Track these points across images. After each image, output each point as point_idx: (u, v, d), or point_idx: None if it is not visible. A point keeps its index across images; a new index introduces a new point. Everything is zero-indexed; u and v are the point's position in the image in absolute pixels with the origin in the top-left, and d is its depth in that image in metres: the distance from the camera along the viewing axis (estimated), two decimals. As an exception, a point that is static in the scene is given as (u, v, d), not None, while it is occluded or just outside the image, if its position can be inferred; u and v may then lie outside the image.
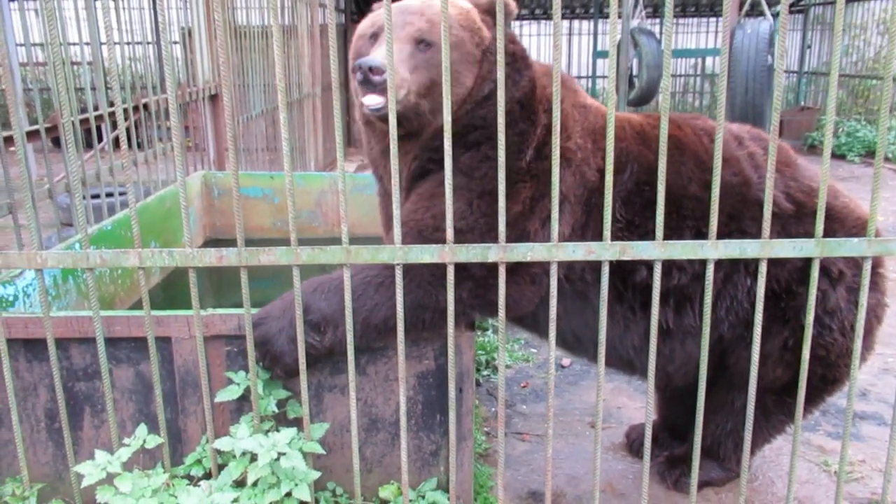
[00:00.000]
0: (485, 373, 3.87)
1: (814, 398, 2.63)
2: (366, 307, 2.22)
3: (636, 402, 3.65)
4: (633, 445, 3.18)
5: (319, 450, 2.24)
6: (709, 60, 14.62)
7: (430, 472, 2.51)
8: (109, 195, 5.03)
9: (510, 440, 3.29)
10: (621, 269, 2.43)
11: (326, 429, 2.34)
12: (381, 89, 2.09)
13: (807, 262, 2.29)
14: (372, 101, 2.12)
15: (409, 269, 2.19)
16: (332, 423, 2.44)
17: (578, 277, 2.48)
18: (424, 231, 2.28)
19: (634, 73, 10.66)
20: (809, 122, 12.06)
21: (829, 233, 2.25)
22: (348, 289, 2.12)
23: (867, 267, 2.17)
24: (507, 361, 4.06)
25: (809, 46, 13.71)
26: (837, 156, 10.86)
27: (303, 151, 8.24)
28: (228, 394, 2.28)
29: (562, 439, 3.31)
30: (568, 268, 2.46)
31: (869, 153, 11.04)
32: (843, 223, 2.45)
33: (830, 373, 2.54)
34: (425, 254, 2.10)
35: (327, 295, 2.24)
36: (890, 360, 2.23)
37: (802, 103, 13.59)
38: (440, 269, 2.13)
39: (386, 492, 2.43)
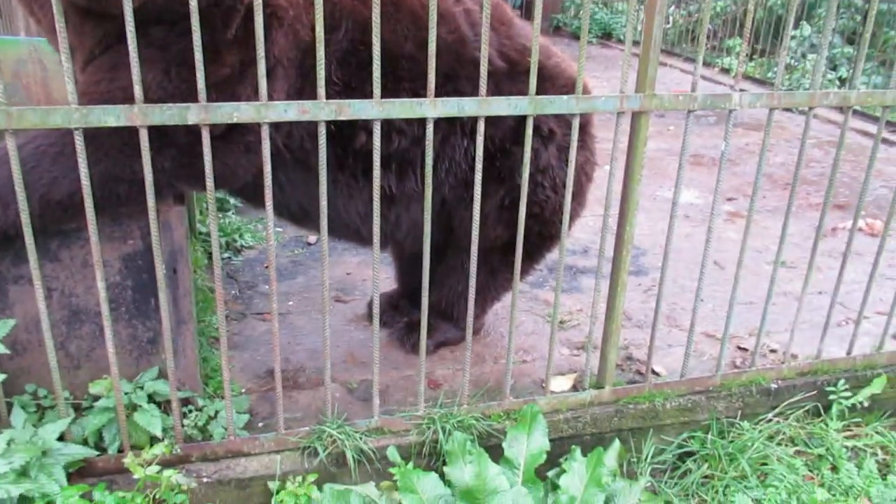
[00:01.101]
0: (226, 255, 3.65)
1: (534, 254, 2.76)
2: (42, 181, 1.89)
3: (382, 275, 3.65)
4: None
5: (2, 350, 1.93)
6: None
7: (150, 361, 2.29)
8: None
9: (251, 321, 3.15)
10: (341, 135, 2.29)
11: (13, 325, 2.03)
12: None
13: (519, 122, 2.31)
14: None
15: (96, 137, 1.88)
16: (24, 319, 2.12)
17: (298, 146, 2.31)
18: (113, 102, 1.95)
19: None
20: (556, 4, 12.57)
21: (540, 91, 2.27)
22: (15, 159, 1.78)
23: (576, 123, 2.24)
24: (249, 242, 3.85)
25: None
26: (576, 37, 11.50)
27: (11, 17, 6.99)
28: None
29: (305, 315, 3.23)
30: (286, 135, 2.27)
31: (604, 35, 11.83)
32: (553, 82, 2.50)
33: (546, 229, 2.67)
34: (110, 116, 1.81)
35: (-10, 167, 1.87)
36: (610, 220, 2.38)
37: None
38: (135, 135, 1.85)
39: (98, 387, 2.19)
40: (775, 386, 2.77)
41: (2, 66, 3.90)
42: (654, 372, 2.84)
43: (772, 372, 2.80)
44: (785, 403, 2.78)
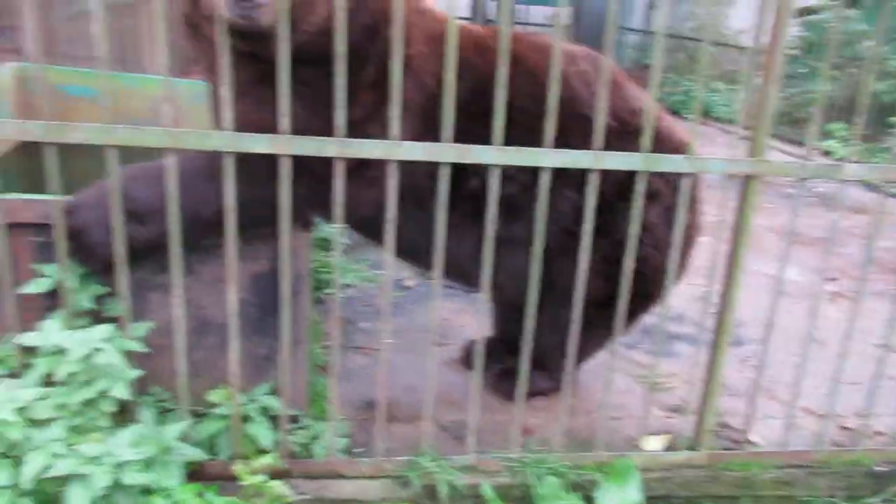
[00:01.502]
0: (328, 291, 3.81)
1: (632, 313, 2.77)
2: (193, 199, 2.08)
3: (474, 322, 3.73)
4: (469, 359, 3.24)
5: (139, 348, 2.10)
6: None
7: (264, 377, 2.43)
8: None
9: (350, 354, 3.27)
10: (453, 178, 2.42)
11: (149, 328, 2.20)
12: (251, 7, 1.94)
13: (626, 178, 2.37)
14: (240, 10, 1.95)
15: (243, 162, 2.07)
16: (158, 325, 2.29)
17: (415, 186, 2.45)
18: (262, 131, 2.15)
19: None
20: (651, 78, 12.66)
21: (652, 152, 2.34)
22: (173, 176, 1.97)
23: (685, 182, 2.30)
24: (351, 281, 4.02)
25: (653, 7, 14.33)
26: (674, 112, 11.53)
27: (139, 63, 7.61)
28: (36, 286, 2.07)
29: (402, 354, 3.33)
30: (406, 174, 2.42)
31: (702, 113, 11.81)
32: (664, 143, 2.56)
33: (645, 288, 2.69)
34: (259, 143, 1.99)
35: (150, 183, 2.07)
36: (704, 289, 2.41)
37: (647, 61, 14.26)
38: (276, 163, 2.03)
39: (216, 396, 2.33)
40: (881, 469, 2.66)
41: (138, 103, 4.25)
42: (750, 441, 2.77)
43: (877, 454, 2.69)
44: (891, 490, 2.65)
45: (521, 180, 2.49)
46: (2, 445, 1.83)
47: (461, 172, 2.40)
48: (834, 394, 2.59)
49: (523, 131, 2.43)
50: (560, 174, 2.51)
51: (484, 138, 2.14)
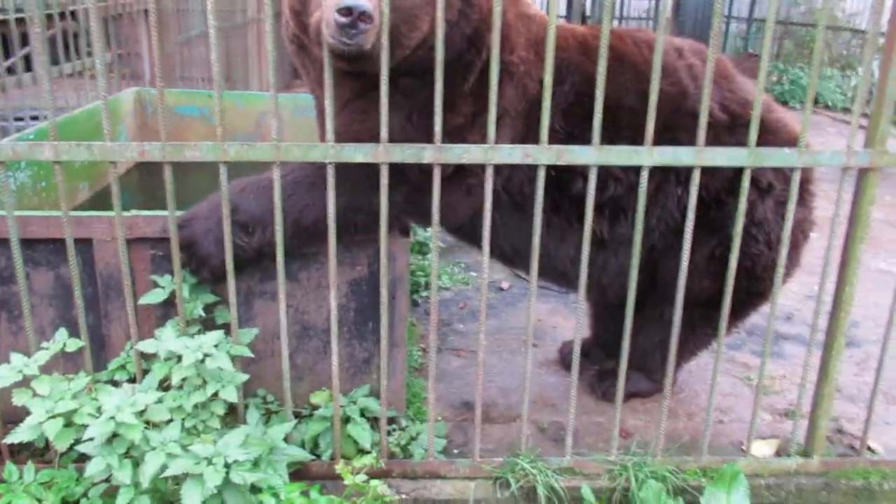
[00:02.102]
0: (424, 294, 3.85)
1: (739, 311, 2.67)
2: (296, 208, 2.15)
3: (571, 322, 3.68)
4: (565, 360, 3.21)
5: (247, 353, 2.19)
6: None
7: (363, 379, 2.49)
8: (34, 118, 4.77)
9: (446, 356, 3.30)
10: (559, 181, 2.40)
11: (255, 334, 2.29)
12: (355, 34, 1.98)
13: (737, 173, 2.28)
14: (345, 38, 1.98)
15: (343, 170, 2.11)
16: (263, 330, 2.38)
17: (517, 190, 2.45)
18: (361, 140, 2.20)
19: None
20: (755, 68, 12.13)
21: (761, 144, 2.24)
22: (278, 187, 2.04)
23: (796, 177, 2.19)
24: (446, 283, 4.05)
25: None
26: (781, 102, 11.01)
27: (245, 80, 7.94)
28: (153, 297, 2.19)
29: (496, 355, 3.33)
30: (506, 179, 2.42)
31: (814, 101, 11.22)
32: (775, 135, 2.46)
33: (755, 286, 2.58)
34: (358, 153, 2.03)
35: (256, 194, 2.16)
36: (815, 287, 2.28)
37: (751, 50, 13.68)
38: (375, 171, 2.07)
39: (317, 398, 2.41)
40: None
41: (247, 119, 4.44)
42: (869, 448, 2.62)
43: None
44: None
45: (627, 181, 2.44)
46: (123, 446, 1.95)
47: (566, 175, 2.38)
48: (963, 399, 2.41)
49: (630, 130, 2.38)
50: (667, 171, 2.45)
51: (591, 141, 2.10)
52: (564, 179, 2.41)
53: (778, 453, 2.57)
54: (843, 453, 2.60)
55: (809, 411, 2.48)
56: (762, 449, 2.59)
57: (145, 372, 2.20)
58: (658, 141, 2.24)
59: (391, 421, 2.47)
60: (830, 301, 2.40)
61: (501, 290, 4.08)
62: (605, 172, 2.40)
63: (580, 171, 2.37)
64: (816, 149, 2.18)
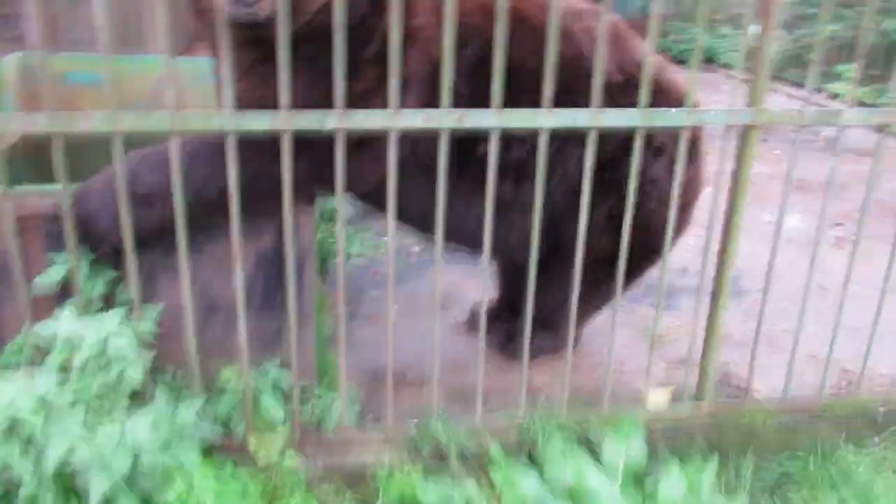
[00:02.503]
0: (336, 262, 3.85)
1: (637, 267, 2.80)
2: (198, 179, 2.11)
3: (479, 286, 3.77)
4: (475, 323, 3.29)
5: (152, 331, 2.15)
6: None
7: (274, 352, 2.48)
8: None
9: (359, 324, 3.32)
10: (464, 144, 2.44)
11: (160, 311, 2.24)
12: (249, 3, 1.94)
13: (632, 134, 2.38)
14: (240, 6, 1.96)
15: (245, 140, 2.08)
16: (168, 307, 2.33)
17: (425, 155, 2.46)
18: (263, 107, 2.16)
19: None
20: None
21: (654, 105, 2.35)
22: (177, 159, 2.00)
23: (684, 137, 2.31)
24: (357, 250, 4.05)
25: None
26: (679, 61, 11.37)
27: (141, 42, 7.57)
28: (49, 276, 2.11)
29: (409, 320, 3.37)
30: (414, 144, 2.43)
31: (707, 59, 11.65)
32: (667, 95, 2.56)
33: (651, 242, 2.71)
34: (260, 121, 2.01)
35: (154, 166, 2.10)
36: (704, 241, 2.43)
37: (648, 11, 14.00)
38: (278, 140, 2.05)
39: (228, 373, 2.39)
40: (882, 411, 2.71)
41: (144, 85, 4.25)
42: (753, 391, 2.82)
43: (879, 397, 2.74)
44: (892, 430, 2.71)
45: (530, 142, 2.49)
46: (23, 435, 1.89)
47: (471, 138, 2.41)
48: (835, 340, 2.62)
49: (532, 92, 2.43)
50: (568, 133, 2.52)
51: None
52: (469, 143, 2.45)
53: (673, 400, 2.74)
54: (732, 396, 2.80)
55: (700, 359, 2.65)
56: (658, 397, 2.76)
57: (45, 356, 2.12)
58: (559, 103, 2.31)
59: (304, 392, 2.48)
60: (717, 254, 2.55)
61: (415, 255, 4.12)
62: (510, 134, 2.46)
63: (484, 135, 2.42)
64: (702, 108, 2.30)
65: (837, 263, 4.12)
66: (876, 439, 2.70)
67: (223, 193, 2.11)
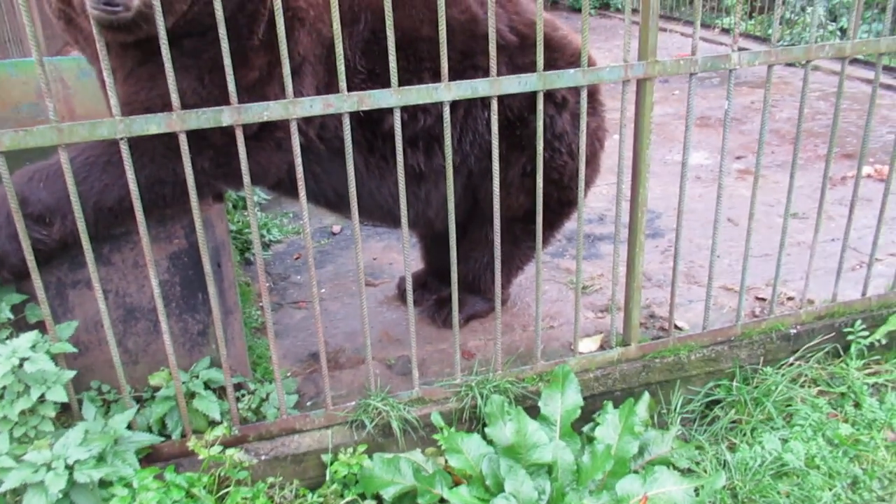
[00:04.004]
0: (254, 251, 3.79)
1: (554, 221, 2.87)
2: (94, 190, 2.03)
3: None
4: (404, 295, 3.30)
5: (69, 348, 2.08)
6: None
7: (202, 351, 2.44)
8: None
9: (287, 310, 3.30)
10: (370, 120, 2.42)
11: (76, 327, 2.18)
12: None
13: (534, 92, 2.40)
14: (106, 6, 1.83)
15: (140, 144, 2.02)
16: (84, 320, 2.26)
17: (333, 135, 2.44)
18: (153, 109, 2.08)
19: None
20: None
21: (549, 63, 2.38)
22: (69, 172, 1.92)
23: (584, 95, 2.35)
24: (276, 236, 4.00)
25: None
26: (575, 9, 11.52)
27: (20, 41, 7.15)
28: (-52, 307, 2.02)
29: (337, 301, 3.37)
30: (320, 128, 2.40)
31: (602, 5, 11.84)
32: (562, 52, 2.60)
33: (565, 195, 2.78)
34: (151, 123, 1.94)
35: (47, 182, 2.01)
36: (623, 187, 2.50)
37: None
38: (175, 140, 1.99)
39: (157, 378, 2.34)
40: (795, 331, 2.88)
41: (27, 87, 4.04)
42: (676, 327, 2.95)
43: (790, 318, 2.90)
44: (805, 347, 2.89)
45: (436, 111, 2.49)
46: (-54, 469, 1.82)
47: (376, 113, 2.39)
48: (746, 269, 2.75)
49: (430, 61, 2.42)
50: (473, 98, 2.52)
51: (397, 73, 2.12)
52: (375, 119, 2.44)
53: (602, 347, 2.84)
54: (656, 336, 2.91)
55: (623, 304, 2.74)
56: (588, 345, 2.85)
57: (-44, 388, 2.04)
58: (458, 68, 2.31)
59: (238, 387, 2.46)
60: (629, 200, 2.63)
61: (334, 234, 4.10)
62: (414, 107, 2.45)
63: (388, 109, 2.40)
64: (598, 66, 2.34)
65: (743, 195, 4.32)
66: (791, 358, 2.86)
67: (124, 201, 2.04)
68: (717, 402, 2.81)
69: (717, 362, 2.81)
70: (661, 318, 3.07)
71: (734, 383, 2.80)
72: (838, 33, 7.86)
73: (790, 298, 3.17)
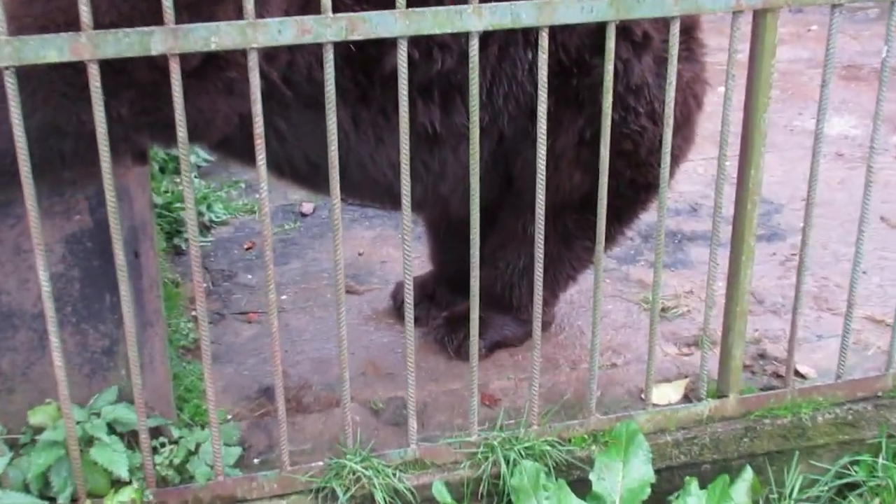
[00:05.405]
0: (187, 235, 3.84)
1: (624, 212, 2.89)
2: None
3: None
4: (401, 309, 3.33)
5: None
6: None
7: (107, 378, 2.49)
8: None
9: (231, 323, 3.34)
10: (363, 59, 2.45)
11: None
12: None
13: (603, 24, 2.42)
14: None
15: (31, 77, 2.06)
16: (-60, 327, 2.32)
17: (305, 78, 2.46)
18: (51, 29, 2.11)
19: None
20: None
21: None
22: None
23: (675, 30, 2.36)
24: (221, 215, 4.05)
25: None
26: None
27: None
28: None
29: (305, 313, 3.42)
30: (287, 66, 2.42)
31: None
32: None
33: (641, 175, 2.80)
34: (49, 49, 1.98)
35: None
36: (728, 164, 2.49)
37: None
38: (82, 74, 2.02)
39: (40, 415, 2.38)
40: (972, 391, 2.88)
41: None
42: (798, 374, 2.96)
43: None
44: None
45: (458, 48, 2.51)
46: None
47: (372, 49, 2.41)
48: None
49: None
50: (511, 30, 2.55)
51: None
52: (371, 56, 2.46)
53: (687, 397, 2.86)
54: (767, 385, 2.93)
55: (721, 338, 2.76)
56: (667, 394, 2.87)
57: None
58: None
59: (157, 433, 2.50)
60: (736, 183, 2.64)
61: (303, 215, 4.15)
62: (428, 41, 2.47)
63: (392, 43, 2.42)
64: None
65: (905, 184, 4.31)
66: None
67: (4, 156, 2.08)
68: (855, 486, 2.82)
69: (857, 428, 2.82)
70: (776, 361, 3.09)
71: (880, 460, 2.81)
72: None
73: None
